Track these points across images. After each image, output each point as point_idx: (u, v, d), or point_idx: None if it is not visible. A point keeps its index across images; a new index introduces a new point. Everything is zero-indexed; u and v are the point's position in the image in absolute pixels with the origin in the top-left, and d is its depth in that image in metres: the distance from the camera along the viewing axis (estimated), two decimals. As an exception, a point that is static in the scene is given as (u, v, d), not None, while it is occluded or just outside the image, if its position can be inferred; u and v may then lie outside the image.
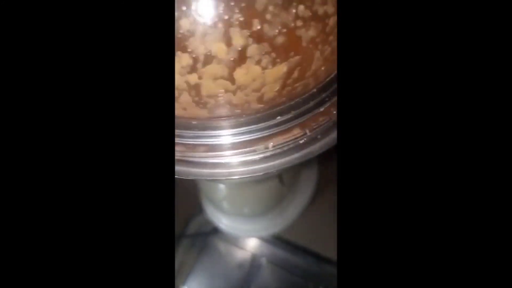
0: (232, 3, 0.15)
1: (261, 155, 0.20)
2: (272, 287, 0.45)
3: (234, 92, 0.18)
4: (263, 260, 0.46)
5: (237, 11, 0.15)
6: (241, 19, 0.15)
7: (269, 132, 0.20)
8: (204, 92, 0.17)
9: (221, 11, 0.15)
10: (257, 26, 0.15)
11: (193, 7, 0.15)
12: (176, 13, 0.15)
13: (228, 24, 0.15)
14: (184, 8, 0.15)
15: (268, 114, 0.20)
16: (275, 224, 0.47)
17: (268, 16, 0.15)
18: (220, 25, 0.15)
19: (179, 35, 0.15)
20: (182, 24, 0.15)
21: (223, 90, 0.17)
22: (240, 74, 0.17)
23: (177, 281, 0.44)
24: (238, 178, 0.20)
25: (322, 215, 0.46)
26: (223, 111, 0.19)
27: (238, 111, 0.19)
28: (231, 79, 0.17)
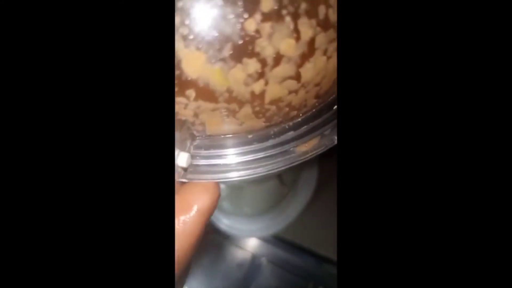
0: None
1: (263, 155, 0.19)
2: (272, 287, 0.45)
3: (296, 92, 0.17)
4: (263, 260, 0.46)
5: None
6: (307, 8, 0.14)
7: (323, 129, 0.19)
8: (267, 99, 0.16)
9: (287, 3, 0.14)
10: (323, 12, 0.15)
11: (258, 6, 0.14)
12: (244, 15, 0.14)
13: (296, 16, 0.15)
14: (248, 8, 0.14)
15: (322, 108, 0.19)
16: (275, 224, 0.47)
17: (331, 1, 0.15)
18: (288, 18, 0.14)
19: (247, 38, 0.14)
20: (247, 26, 0.14)
21: (287, 92, 0.17)
22: (307, 69, 0.16)
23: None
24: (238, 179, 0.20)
25: (322, 215, 0.46)
26: (279, 115, 0.18)
27: (295, 112, 0.18)
28: (298, 77, 0.16)
